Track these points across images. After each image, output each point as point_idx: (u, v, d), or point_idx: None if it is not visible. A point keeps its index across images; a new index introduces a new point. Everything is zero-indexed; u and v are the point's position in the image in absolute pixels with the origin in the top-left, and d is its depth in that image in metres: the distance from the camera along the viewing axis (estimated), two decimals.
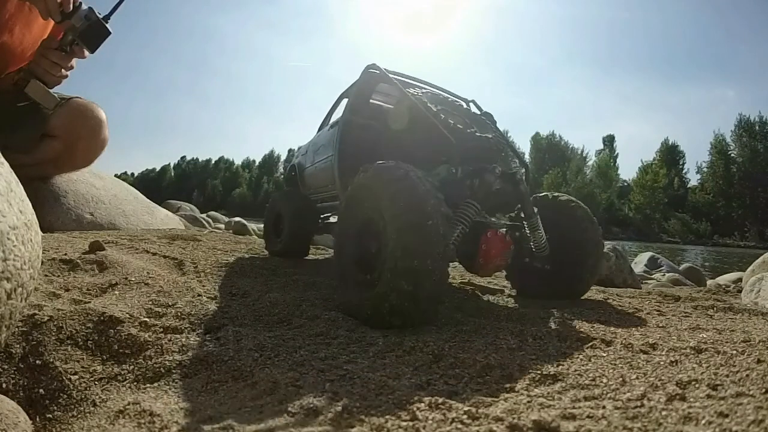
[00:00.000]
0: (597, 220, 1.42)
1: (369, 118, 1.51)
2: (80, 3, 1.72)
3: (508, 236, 1.25)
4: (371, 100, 1.54)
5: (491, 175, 1.22)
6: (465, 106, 1.56)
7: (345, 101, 1.72)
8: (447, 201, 1.01)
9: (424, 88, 1.47)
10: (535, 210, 1.33)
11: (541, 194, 1.47)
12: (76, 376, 0.73)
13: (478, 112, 1.56)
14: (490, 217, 1.33)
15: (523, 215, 1.34)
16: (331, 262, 2.02)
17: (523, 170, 1.31)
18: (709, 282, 3.05)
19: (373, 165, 1.09)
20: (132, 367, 0.77)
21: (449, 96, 1.55)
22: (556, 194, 1.46)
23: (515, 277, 1.51)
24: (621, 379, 0.71)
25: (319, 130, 2.06)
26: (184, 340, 0.85)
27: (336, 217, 1.71)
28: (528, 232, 1.35)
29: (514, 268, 1.38)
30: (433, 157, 1.32)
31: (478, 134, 1.30)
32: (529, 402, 0.61)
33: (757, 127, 35.84)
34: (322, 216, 2.09)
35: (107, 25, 1.74)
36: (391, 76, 1.42)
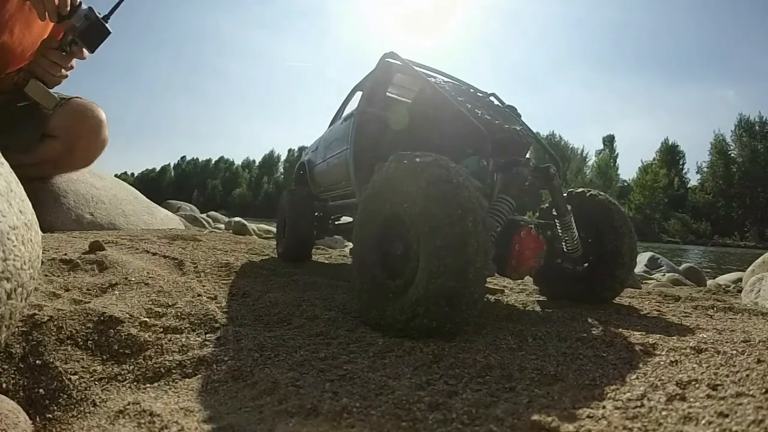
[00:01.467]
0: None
1: (387, 109, 1.39)
2: (80, 3, 1.72)
3: (540, 235, 1.14)
4: (388, 92, 1.43)
5: (525, 169, 1.12)
6: (486, 98, 1.45)
7: (359, 94, 1.59)
8: (482, 194, 0.94)
9: (446, 79, 1.39)
10: (569, 208, 1.24)
11: (578, 190, 1.38)
12: (76, 376, 0.73)
13: (500, 105, 1.45)
14: (522, 215, 1.22)
15: (555, 213, 1.24)
16: (335, 264, 2.00)
17: (554, 166, 1.22)
18: (709, 282, 3.05)
19: (398, 155, 0.97)
20: (132, 367, 0.77)
21: (470, 87, 1.44)
22: (594, 192, 1.36)
23: (542, 278, 1.42)
24: (621, 379, 0.71)
25: (331, 125, 1.96)
26: (184, 340, 0.85)
27: (351, 217, 1.62)
28: (560, 231, 1.24)
29: (542, 268, 1.24)
30: (460, 149, 1.19)
31: (506, 126, 1.21)
32: (529, 402, 0.61)
33: (757, 127, 35.82)
34: (333, 216, 1.99)
35: (107, 25, 1.74)
36: (411, 65, 1.32)
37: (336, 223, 2.06)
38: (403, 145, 1.29)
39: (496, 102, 1.47)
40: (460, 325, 0.86)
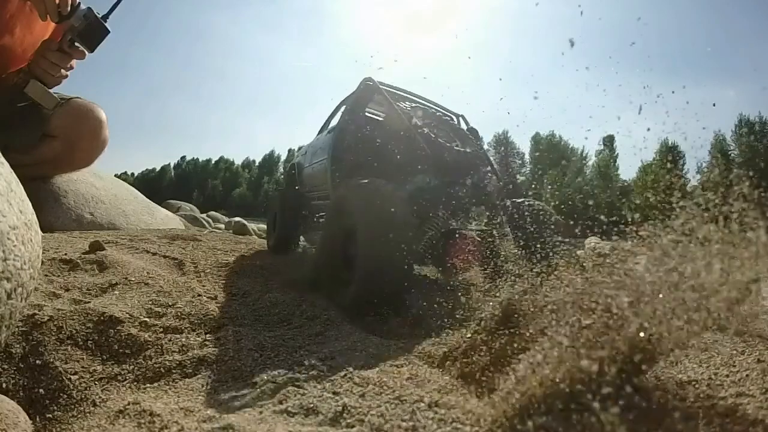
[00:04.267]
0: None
1: (362, 127, 1.57)
2: (79, 3, 1.72)
3: (475, 240, 1.35)
4: (367, 110, 1.62)
5: (461, 187, 1.32)
6: (454, 120, 1.65)
7: (344, 108, 1.80)
8: (420, 208, 1.18)
9: (416, 102, 1.56)
10: (504, 218, 1.39)
11: (519, 200, 1.50)
12: (76, 376, 0.73)
13: (465, 127, 1.67)
14: (465, 224, 1.43)
15: (495, 222, 1.42)
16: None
17: (496, 183, 1.42)
18: None
19: (351, 180, 1.23)
20: (132, 367, 0.77)
21: (439, 110, 1.63)
22: (531, 201, 1.50)
23: (489, 275, 1.53)
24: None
25: (319, 133, 2.15)
26: (184, 340, 0.85)
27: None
28: (498, 237, 1.42)
29: (490, 267, 1.42)
30: (413, 168, 1.41)
31: (457, 148, 1.40)
32: (529, 402, 0.61)
33: (757, 127, 35.84)
34: (317, 214, 2.12)
35: (106, 25, 1.74)
36: (383, 89, 1.51)
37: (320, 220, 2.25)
38: (371, 160, 1.49)
39: (462, 124, 1.67)
40: (387, 304, 1.07)
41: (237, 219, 5.08)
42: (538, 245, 1.38)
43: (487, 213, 1.43)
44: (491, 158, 1.57)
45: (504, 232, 1.40)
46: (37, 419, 0.66)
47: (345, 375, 0.70)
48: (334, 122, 1.92)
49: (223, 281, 1.38)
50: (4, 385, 0.69)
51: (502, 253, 1.40)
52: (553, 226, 1.42)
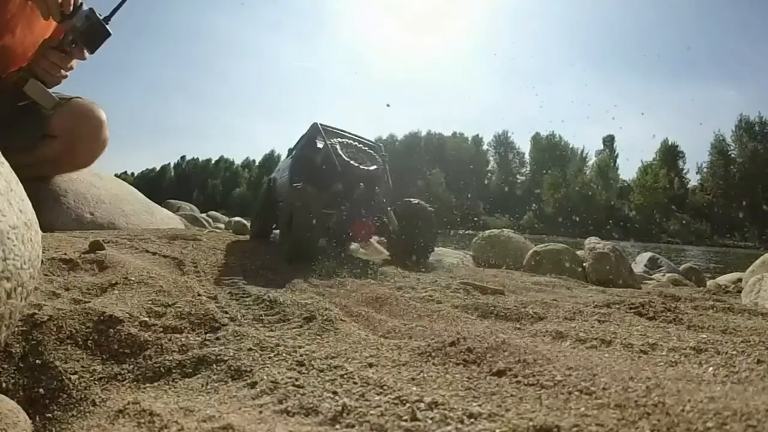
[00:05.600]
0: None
1: (308, 154, 2.26)
2: (81, 3, 1.72)
3: (371, 225, 2.11)
4: (318, 142, 2.25)
5: (357, 191, 2.10)
6: (374, 148, 2.39)
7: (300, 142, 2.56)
8: (332, 203, 2.02)
9: (346, 138, 2.29)
10: (390, 211, 2.24)
11: (404, 200, 2.36)
12: (76, 376, 0.73)
13: (377, 153, 2.36)
14: (363, 213, 2.13)
15: (387, 214, 2.23)
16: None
17: (388, 188, 2.30)
18: (709, 282, 3.05)
19: (292, 186, 2.01)
20: (132, 366, 0.77)
21: (362, 142, 2.35)
22: (411, 200, 2.34)
23: (387, 246, 2.44)
24: (621, 379, 0.71)
25: (288, 155, 2.91)
26: (184, 339, 0.85)
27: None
28: (387, 221, 2.21)
29: (386, 241, 2.41)
30: (333, 180, 2.12)
31: (363, 167, 2.14)
32: (528, 402, 0.61)
33: (757, 128, 35.80)
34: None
35: (107, 26, 1.74)
36: (323, 129, 2.26)
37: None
38: (314, 176, 2.14)
39: (373, 149, 2.38)
40: (309, 258, 1.79)
41: (237, 219, 5.08)
42: (418, 230, 2.22)
43: (380, 209, 2.21)
44: (388, 174, 2.36)
45: (391, 218, 2.21)
46: (37, 419, 0.66)
47: (345, 375, 0.70)
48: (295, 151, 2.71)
49: (223, 281, 1.38)
50: (3, 385, 0.69)
51: (390, 233, 2.28)
52: (430, 219, 2.24)
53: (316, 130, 2.26)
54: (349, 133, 2.36)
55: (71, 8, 1.67)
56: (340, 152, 2.15)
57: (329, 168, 2.10)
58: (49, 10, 1.64)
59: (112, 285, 1.10)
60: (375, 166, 2.20)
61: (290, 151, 2.88)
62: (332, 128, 2.32)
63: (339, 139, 2.25)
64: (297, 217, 1.79)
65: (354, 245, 2.58)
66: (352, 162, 2.13)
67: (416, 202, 2.31)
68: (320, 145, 2.17)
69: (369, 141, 2.44)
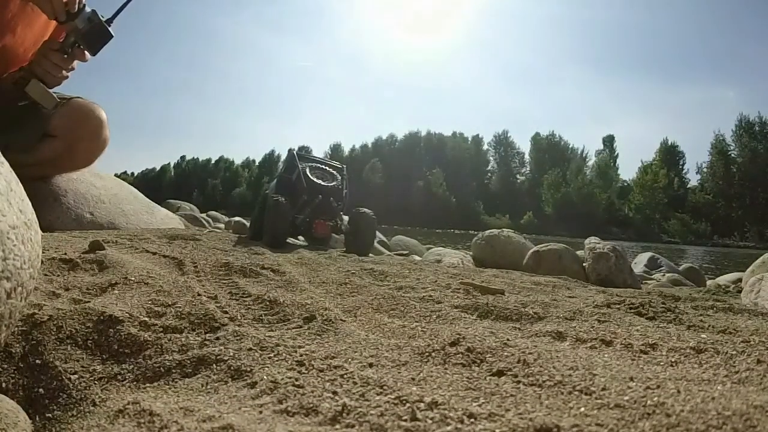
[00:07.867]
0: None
1: (285, 176, 2.93)
2: (84, 5, 1.72)
3: (329, 224, 2.66)
4: (298, 164, 2.91)
5: (318, 202, 2.72)
6: (336, 169, 3.01)
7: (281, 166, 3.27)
8: (300, 210, 2.69)
9: (315, 162, 2.96)
10: (344, 216, 2.85)
11: (354, 209, 2.84)
12: (76, 376, 0.72)
13: (338, 173, 2.98)
14: (322, 216, 2.72)
15: (340, 217, 2.82)
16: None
17: (344, 200, 2.90)
18: (709, 282, 3.05)
19: (270, 197, 2.65)
20: (132, 366, 0.77)
21: (327, 165, 3.01)
22: (361, 209, 2.79)
23: (344, 241, 2.89)
24: (621, 379, 0.71)
25: (276, 174, 3.43)
26: (184, 339, 0.85)
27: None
28: (341, 223, 2.77)
29: (342, 237, 2.92)
30: (300, 193, 2.78)
31: (324, 184, 2.78)
32: (528, 402, 0.61)
33: (757, 128, 35.77)
34: None
35: (110, 29, 1.74)
36: (297, 155, 2.91)
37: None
38: (290, 191, 2.80)
39: (337, 170, 3.02)
40: (279, 244, 2.40)
41: (237, 218, 5.07)
42: (363, 231, 2.74)
43: (335, 213, 2.81)
44: (346, 188, 2.96)
45: (343, 222, 2.81)
46: (37, 419, 0.66)
47: (345, 375, 0.70)
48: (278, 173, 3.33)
49: (223, 281, 1.38)
50: (3, 385, 0.69)
51: (343, 230, 2.80)
52: (372, 223, 2.74)
53: (292, 156, 3.03)
54: (319, 159, 3.13)
55: (76, 8, 1.67)
56: (308, 173, 2.86)
57: (299, 184, 2.82)
58: (54, 9, 1.63)
59: (112, 285, 1.10)
60: (334, 183, 2.91)
61: (276, 171, 3.95)
62: (305, 155, 3.11)
63: (309, 164, 2.97)
64: (272, 217, 2.49)
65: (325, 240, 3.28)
66: (315, 180, 2.82)
67: (363, 210, 2.93)
68: (296, 169, 2.94)
69: (335, 164, 3.13)
